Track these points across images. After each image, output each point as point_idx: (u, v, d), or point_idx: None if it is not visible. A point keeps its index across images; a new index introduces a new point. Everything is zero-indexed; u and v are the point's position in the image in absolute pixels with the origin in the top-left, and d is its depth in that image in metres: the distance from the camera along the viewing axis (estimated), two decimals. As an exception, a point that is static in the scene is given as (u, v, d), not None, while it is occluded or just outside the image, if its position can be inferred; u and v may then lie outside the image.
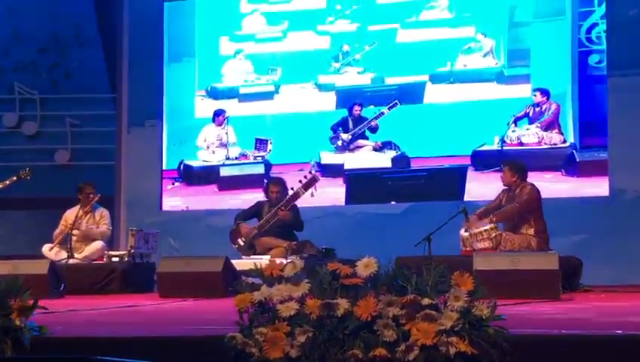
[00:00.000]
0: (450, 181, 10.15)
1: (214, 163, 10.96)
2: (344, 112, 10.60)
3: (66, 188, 9.96)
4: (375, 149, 10.48)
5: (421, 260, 5.61)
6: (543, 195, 8.09)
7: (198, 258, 7.74)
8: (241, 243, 8.70)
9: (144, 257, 8.82)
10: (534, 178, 8.55)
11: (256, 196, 9.54)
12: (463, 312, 3.11)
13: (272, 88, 10.95)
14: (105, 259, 8.81)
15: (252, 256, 8.24)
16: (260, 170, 10.79)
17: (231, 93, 11.10)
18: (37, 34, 11.61)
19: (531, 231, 7.83)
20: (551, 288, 6.46)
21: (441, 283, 3.18)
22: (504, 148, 9.93)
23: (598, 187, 9.62)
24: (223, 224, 9.43)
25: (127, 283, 8.48)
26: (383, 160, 10.43)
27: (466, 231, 7.89)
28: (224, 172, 10.92)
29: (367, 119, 10.47)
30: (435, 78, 10.39)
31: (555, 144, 9.85)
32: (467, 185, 10.02)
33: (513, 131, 9.96)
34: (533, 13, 10.16)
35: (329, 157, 10.61)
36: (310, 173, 9.06)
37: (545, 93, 9.85)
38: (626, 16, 9.69)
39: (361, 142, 10.53)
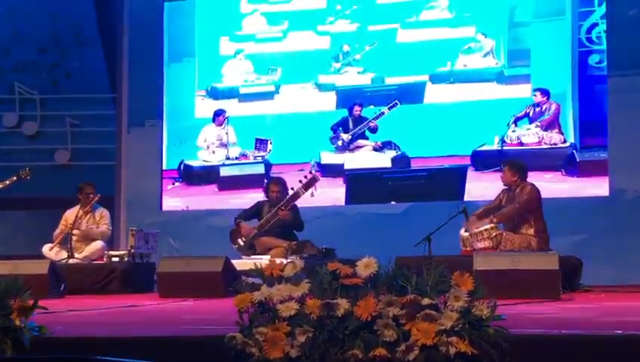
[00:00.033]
0: (450, 181, 10.16)
1: (214, 163, 10.96)
2: (344, 112, 10.60)
3: (66, 188, 9.97)
4: (375, 149, 10.48)
5: (421, 260, 5.61)
6: (543, 195, 8.09)
7: (198, 258, 7.74)
8: (241, 243, 8.70)
9: (144, 257, 8.82)
10: (534, 178, 8.55)
11: (257, 196, 9.54)
12: (463, 312, 3.11)
13: (272, 88, 10.95)
14: (105, 259, 8.81)
15: (252, 256, 8.24)
16: (260, 170, 10.79)
17: (231, 93, 11.10)
18: (37, 34, 11.61)
19: (531, 231, 7.83)
20: (551, 288, 6.46)
21: (441, 283, 3.18)
22: (504, 148, 9.93)
23: (598, 187, 9.62)
24: (223, 224, 9.43)
25: (127, 283, 8.48)
26: (383, 160, 10.43)
27: (466, 231, 7.89)
28: (224, 172, 10.92)
29: (367, 119, 10.47)
30: (435, 78, 10.39)
31: (555, 144, 9.85)
32: (467, 185, 10.02)
33: (513, 131, 9.96)
34: (534, 13, 10.16)
35: (329, 157, 10.61)
36: (310, 173, 9.06)
37: (545, 93, 9.85)
38: (626, 16, 9.69)
39: (361, 142, 10.53)
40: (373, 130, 10.46)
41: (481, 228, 7.78)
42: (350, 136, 10.53)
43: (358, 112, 10.50)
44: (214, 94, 11.15)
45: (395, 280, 3.20)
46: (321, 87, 10.77)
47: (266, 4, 11.10)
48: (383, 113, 10.41)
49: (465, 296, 3.14)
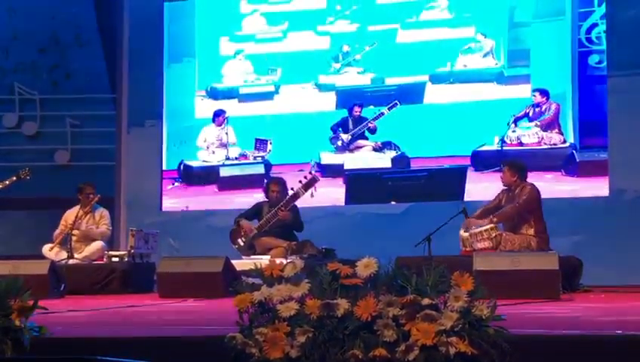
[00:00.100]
0: (450, 181, 10.16)
1: (214, 163, 10.96)
2: (344, 113, 10.60)
3: (66, 189, 9.97)
4: (375, 149, 10.48)
5: (421, 260, 5.63)
6: (543, 195, 8.09)
7: (198, 258, 7.74)
8: (241, 244, 8.71)
9: (144, 257, 8.82)
10: (534, 178, 8.55)
11: (257, 196, 9.55)
12: (463, 312, 3.11)
13: (272, 88, 10.95)
14: (105, 259, 8.82)
15: (252, 256, 8.24)
16: (259, 170, 10.79)
17: (231, 94, 11.10)
18: (37, 34, 11.61)
19: (531, 231, 7.83)
20: (551, 288, 6.46)
21: (441, 284, 3.18)
22: (504, 148, 9.93)
23: (598, 187, 9.62)
24: (223, 224, 9.43)
25: (127, 284, 8.48)
26: (383, 160, 10.43)
27: (465, 231, 7.89)
28: (224, 172, 10.92)
29: (367, 119, 10.48)
30: (435, 79, 10.39)
31: (555, 144, 9.85)
32: (467, 186, 10.03)
33: (513, 131, 9.96)
34: (533, 14, 10.16)
35: (329, 158, 10.61)
36: (310, 173, 9.05)
37: (544, 93, 9.85)
38: (625, 17, 9.69)
39: (361, 142, 10.53)
40: (373, 131, 10.46)
41: (481, 229, 7.78)
42: (350, 137, 10.53)
43: (358, 113, 10.50)
44: (214, 94, 11.15)
45: (395, 280, 3.20)
46: (321, 88, 10.77)
47: (266, 4, 11.10)
48: (382, 113, 10.41)
49: (465, 296, 3.14)
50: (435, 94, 10.35)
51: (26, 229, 10.99)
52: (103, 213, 9.27)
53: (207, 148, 10.99)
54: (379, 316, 3.12)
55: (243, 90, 11.06)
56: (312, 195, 8.72)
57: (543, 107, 9.86)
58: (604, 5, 9.81)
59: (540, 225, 7.87)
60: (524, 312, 5.14)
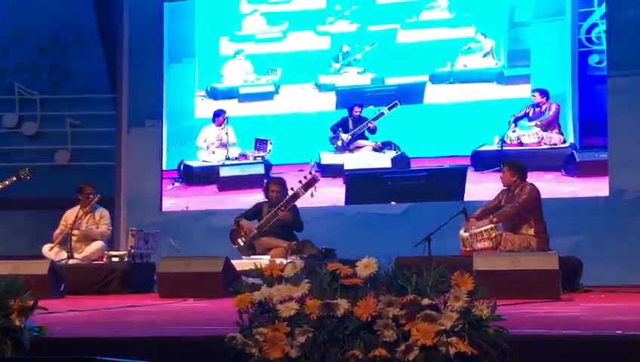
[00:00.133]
0: (450, 181, 10.16)
1: (214, 163, 10.97)
2: (344, 113, 10.60)
3: (66, 189, 9.97)
4: (375, 149, 10.48)
5: (421, 260, 5.63)
6: (543, 195, 8.09)
7: (198, 258, 7.74)
8: (241, 244, 8.71)
9: (144, 257, 8.82)
10: (534, 178, 8.55)
11: (257, 196, 9.55)
12: (462, 312, 3.11)
13: (272, 88, 10.96)
14: (105, 259, 8.82)
15: (252, 256, 8.24)
16: (259, 170, 10.79)
17: (231, 94, 11.10)
18: (37, 34, 11.61)
19: (531, 232, 7.83)
20: (551, 288, 6.46)
21: (441, 284, 3.18)
22: (504, 148, 9.93)
23: (598, 187, 9.62)
24: (223, 224, 9.43)
25: (127, 284, 8.47)
26: (383, 160, 10.43)
27: (465, 231, 7.89)
28: (224, 172, 10.92)
29: (367, 119, 10.48)
30: (435, 79, 10.39)
31: (555, 144, 9.85)
32: (467, 186, 10.03)
33: (513, 131, 9.96)
34: (533, 14, 10.16)
35: (329, 158, 10.61)
36: (310, 173, 9.05)
37: (544, 93, 9.85)
38: (625, 17, 9.69)
39: (361, 142, 10.53)
40: (372, 131, 10.46)
41: (481, 229, 7.78)
42: (350, 137, 10.53)
43: (358, 113, 10.50)
44: (214, 94, 11.15)
45: (395, 280, 3.20)
46: (321, 88, 10.77)
47: (266, 4, 11.10)
48: (382, 113, 10.41)
49: (465, 296, 3.14)
50: (435, 94, 10.35)
51: (26, 229, 10.98)
52: (103, 213, 9.27)
53: (207, 148, 10.99)
54: (379, 316, 3.12)
55: (243, 90, 11.07)
56: (312, 195, 8.72)
57: (543, 107, 9.86)
58: (604, 5, 9.81)
59: (540, 225, 7.87)
60: (524, 312, 5.14)
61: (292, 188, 8.63)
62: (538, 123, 9.87)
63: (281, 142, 10.75)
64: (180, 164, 11.11)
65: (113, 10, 11.57)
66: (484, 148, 10.05)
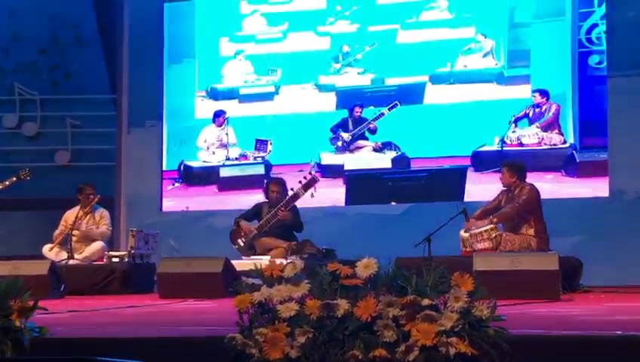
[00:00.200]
0: (450, 181, 10.16)
1: (214, 163, 10.97)
2: (344, 113, 10.60)
3: (66, 189, 9.98)
4: (375, 150, 10.49)
5: (421, 261, 5.63)
6: (543, 196, 8.09)
7: (198, 259, 7.74)
8: (241, 244, 8.70)
9: (144, 258, 8.82)
10: (534, 178, 8.56)
11: (257, 197, 9.54)
12: (462, 313, 3.11)
13: (272, 89, 10.96)
14: (105, 260, 8.81)
15: (252, 257, 8.23)
16: (260, 170, 10.79)
17: (231, 94, 11.11)
18: (37, 35, 11.60)
19: (531, 232, 7.83)
20: (551, 288, 6.46)
21: (441, 284, 3.18)
22: (504, 148, 9.93)
23: (598, 188, 9.62)
24: (223, 224, 9.44)
25: (127, 284, 8.47)
26: (383, 160, 10.43)
27: (465, 231, 7.89)
28: (224, 173, 10.92)
29: (367, 120, 10.48)
30: (435, 79, 10.39)
31: (555, 144, 9.85)
32: (467, 186, 10.03)
33: (513, 132, 9.96)
34: (533, 14, 10.16)
35: (329, 158, 10.61)
36: (310, 173, 9.05)
37: (544, 93, 9.85)
38: (625, 18, 9.69)
39: (361, 142, 10.53)
40: (372, 132, 10.47)
41: (481, 229, 7.78)
42: (350, 137, 10.53)
43: (359, 113, 10.50)
44: (214, 95, 11.15)
45: (395, 280, 3.20)
46: (321, 88, 10.77)
47: (266, 4, 11.11)
48: (382, 114, 10.41)
49: (465, 296, 3.14)
50: (435, 95, 10.36)
51: (26, 229, 10.98)
52: (103, 213, 9.27)
53: (208, 148, 11.00)
54: (379, 316, 3.12)
55: (243, 91, 11.07)
56: (312, 196, 8.71)
57: (543, 107, 9.86)
58: (604, 6, 9.81)
59: (540, 225, 7.87)
60: (524, 312, 5.14)
61: (292, 189, 8.63)
62: (538, 124, 9.87)
63: (281, 143, 10.75)
64: (180, 164, 11.12)
65: (113, 10, 11.57)
66: (485, 148, 10.05)
